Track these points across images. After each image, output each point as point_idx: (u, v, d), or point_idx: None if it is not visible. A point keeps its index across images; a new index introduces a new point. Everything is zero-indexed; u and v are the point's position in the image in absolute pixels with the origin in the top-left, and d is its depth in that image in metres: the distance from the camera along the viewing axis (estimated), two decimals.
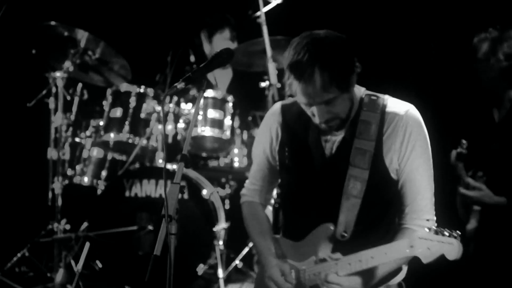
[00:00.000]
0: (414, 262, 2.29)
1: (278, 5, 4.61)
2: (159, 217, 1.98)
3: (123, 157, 4.88)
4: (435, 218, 2.40)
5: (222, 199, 4.83)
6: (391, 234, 2.40)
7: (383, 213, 2.43)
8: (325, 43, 2.22)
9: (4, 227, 5.11)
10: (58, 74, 4.58)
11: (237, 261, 4.71)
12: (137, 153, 4.66)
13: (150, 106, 4.69)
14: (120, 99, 4.71)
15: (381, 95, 2.44)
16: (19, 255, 4.46)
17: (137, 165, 4.82)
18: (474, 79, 3.70)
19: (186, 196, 4.40)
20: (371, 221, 2.38)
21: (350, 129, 2.40)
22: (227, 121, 4.71)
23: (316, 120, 2.33)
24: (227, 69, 5.36)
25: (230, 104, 4.75)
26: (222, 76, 5.39)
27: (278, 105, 2.61)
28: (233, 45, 5.20)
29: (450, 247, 2.01)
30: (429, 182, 2.39)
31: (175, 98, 4.77)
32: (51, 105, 4.67)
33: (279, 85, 4.48)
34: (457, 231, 2.04)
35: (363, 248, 2.25)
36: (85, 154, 4.84)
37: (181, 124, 4.74)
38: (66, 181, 4.72)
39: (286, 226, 2.64)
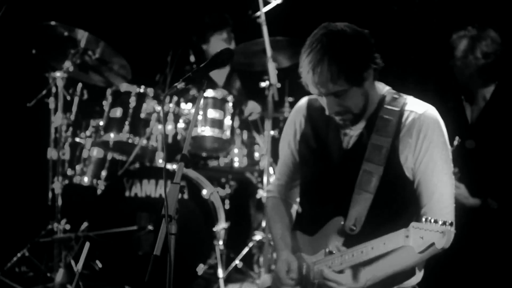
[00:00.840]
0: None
1: (278, 5, 4.61)
2: (159, 217, 1.98)
3: (123, 157, 4.88)
4: (452, 222, 2.37)
5: (222, 199, 4.83)
6: None
7: (397, 212, 2.40)
8: (340, 35, 2.24)
9: (4, 227, 5.11)
10: (58, 74, 4.58)
11: (237, 261, 4.71)
12: (137, 153, 4.67)
13: (150, 106, 4.69)
14: (120, 99, 4.71)
15: (403, 95, 2.44)
16: (19, 255, 4.45)
17: (137, 165, 4.82)
18: (449, 75, 3.72)
19: (186, 196, 4.40)
20: (384, 218, 2.35)
21: (368, 125, 2.40)
22: (227, 121, 4.71)
23: (326, 111, 2.35)
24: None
25: (230, 104, 4.75)
26: (219, 71, 5.38)
27: (305, 99, 2.64)
28: (230, 47, 5.20)
29: (440, 236, 2.00)
30: (447, 185, 2.34)
31: (175, 98, 4.77)
32: (51, 105, 4.66)
33: (279, 85, 4.48)
34: (451, 221, 2.02)
35: None
36: (85, 154, 4.84)
37: (181, 124, 4.74)
38: (66, 181, 4.72)
39: (304, 220, 2.64)
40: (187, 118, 4.73)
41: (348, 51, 2.23)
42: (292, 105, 5.39)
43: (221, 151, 4.90)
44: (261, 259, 4.76)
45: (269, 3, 4.58)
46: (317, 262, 2.41)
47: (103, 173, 4.83)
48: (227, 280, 4.58)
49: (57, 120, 4.64)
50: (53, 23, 4.54)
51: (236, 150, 4.89)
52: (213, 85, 5.29)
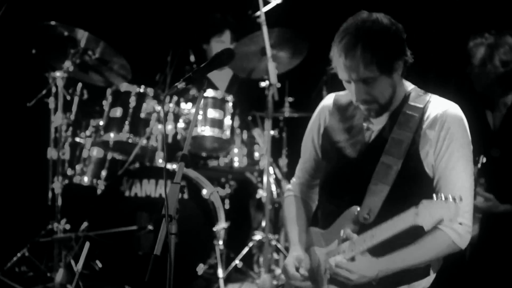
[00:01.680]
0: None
1: (278, 5, 4.61)
2: (159, 217, 1.98)
3: (123, 157, 4.88)
4: (470, 224, 2.33)
5: (222, 199, 4.83)
6: (421, 232, 2.28)
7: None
8: (375, 22, 2.27)
9: (4, 227, 5.11)
10: (58, 74, 4.57)
11: (237, 261, 4.71)
12: (137, 153, 4.67)
13: (150, 106, 4.70)
14: (120, 99, 4.71)
15: (429, 93, 2.44)
16: (19, 255, 4.45)
17: (137, 165, 4.81)
18: (467, 82, 3.68)
19: (186, 196, 4.40)
20: (398, 211, 2.25)
21: (391, 119, 2.40)
22: (227, 121, 4.71)
23: (353, 98, 2.35)
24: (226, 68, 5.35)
25: (230, 104, 4.75)
26: (221, 75, 5.39)
27: (332, 95, 2.64)
28: (231, 47, 5.19)
29: (447, 209, 2.01)
30: (467, 185, 2.32)
31: (175, 98, 4.77)
32: (51, 105, 4.66)
33: (279, 85, 4.48)
34: (461, 196, 2.03)
35: None
36: (85, 154, 4.83)
37: (181, 124, 4.73)
38: (66, 181, 4.71)
39: (320, 216, 2.62)
40: (187, 118, 4.72)
41: (383, 38, 2.25)
42: (292, 105, 5.39)
43: (221, 151, 4.90)
44: (261, 259, 4.76)
45: (269, 3, 4.58)
46: (330, 253, 2.39)
47: (103, 173, 4.83)
48: (227, 280, 4.58)
49: (57, 120, 4.64)
50: (53, 23, 4.54)
51: (236, 150, 4.89)
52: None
